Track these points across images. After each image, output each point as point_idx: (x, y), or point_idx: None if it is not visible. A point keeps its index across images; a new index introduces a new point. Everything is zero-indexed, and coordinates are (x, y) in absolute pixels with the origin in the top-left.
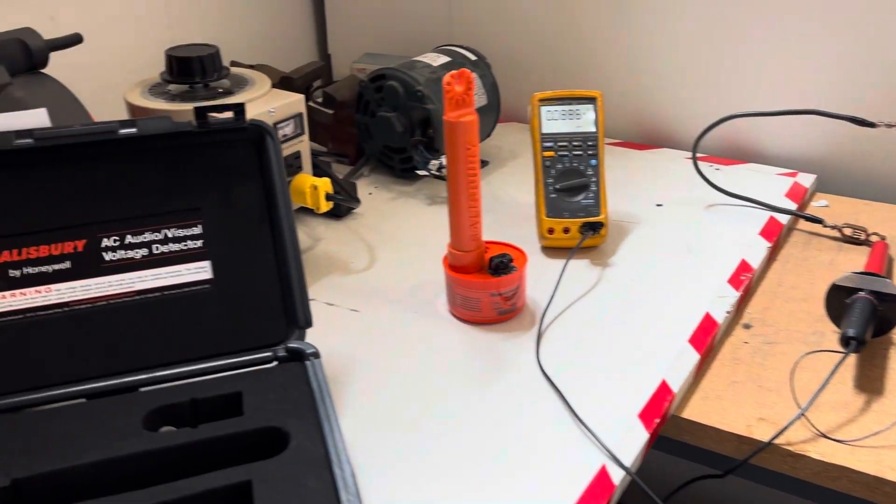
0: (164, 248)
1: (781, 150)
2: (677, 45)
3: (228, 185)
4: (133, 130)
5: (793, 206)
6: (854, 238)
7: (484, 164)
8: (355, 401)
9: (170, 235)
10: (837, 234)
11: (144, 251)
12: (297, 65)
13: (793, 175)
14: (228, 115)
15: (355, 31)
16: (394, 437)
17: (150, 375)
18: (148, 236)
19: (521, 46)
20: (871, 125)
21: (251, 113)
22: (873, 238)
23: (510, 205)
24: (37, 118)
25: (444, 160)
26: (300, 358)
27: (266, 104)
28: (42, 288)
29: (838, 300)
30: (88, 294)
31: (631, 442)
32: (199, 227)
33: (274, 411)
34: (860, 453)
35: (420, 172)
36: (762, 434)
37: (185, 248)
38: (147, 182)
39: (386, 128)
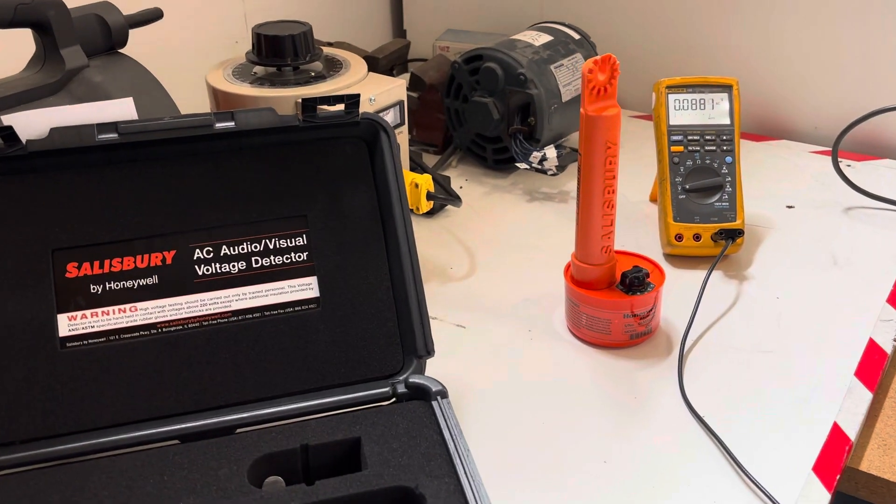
0: (264, 261)
1: None
2: (809, 29)
3: (337, 189)
4: (231, 124)
5: None
6: None
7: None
8: (477, 441)
9: (271, 246)
10: None
11: (242, 264)
12: (370, 40)
13: None
14: (339, 107)
15: (435, 4)
16: (533, 489)
17: (252, 414)
18: (247, 247)
19: (621, 24)
20: None
21: None
22: None
23: (622, 204)
24: (122, 109)
25: (546, 152)
26: (424, 396)
27: (365, 91)
28: (126, 307)
29: None
30: (179, 314)
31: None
32: (305, 237)
33: (402, 465)
34: None
35: (520, 165)
36: None
37: (289, 261)
38: (245, 184)
39: (481, 114)
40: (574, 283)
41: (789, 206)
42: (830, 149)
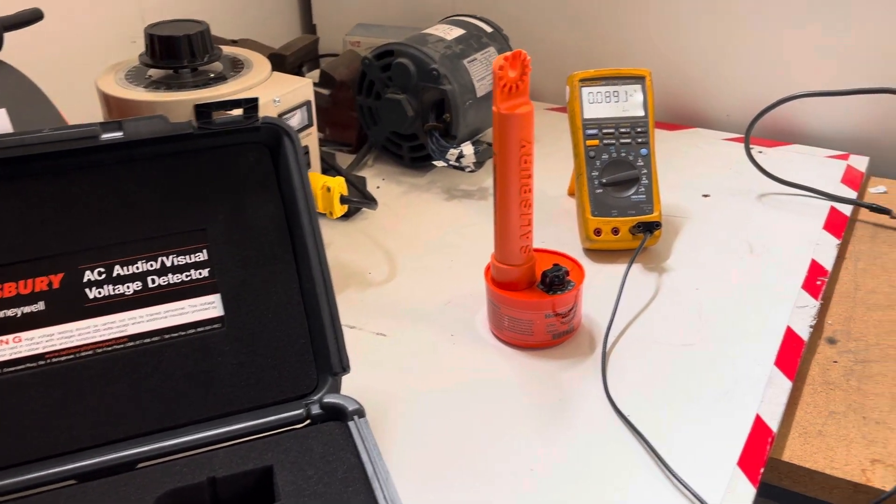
0: (161, 280)
1: (827, 130)
2: (720, 19)
3: (240, 199)
4: (119, 135)
5: (853, 193)
6: None
7: None
8: (399, 456)
9: (169, 264)
10: None
11: (138, 285)
12: (278, 37)
13: (844, 157)
14: (237, 112)
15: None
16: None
17: (154, 447)
18: (141, 266)
19: (536, 16)
20: None
21: None
22: None
23: (539, 199)
24: None
25: (463, 148)
26: (340, 416)
27: (268, 92)
28: (9, 337)
29: None
30: (70, 343)
31: (736, 500)
32: (205, 252)
33: (317, 493)
34: None
35: (437, 163)
36: (881, 480)
37: (189, 278)
38: (138, 198)
39: (394, 112)
40: (495, 284)
41: (705, 195)
42: (743, 136)
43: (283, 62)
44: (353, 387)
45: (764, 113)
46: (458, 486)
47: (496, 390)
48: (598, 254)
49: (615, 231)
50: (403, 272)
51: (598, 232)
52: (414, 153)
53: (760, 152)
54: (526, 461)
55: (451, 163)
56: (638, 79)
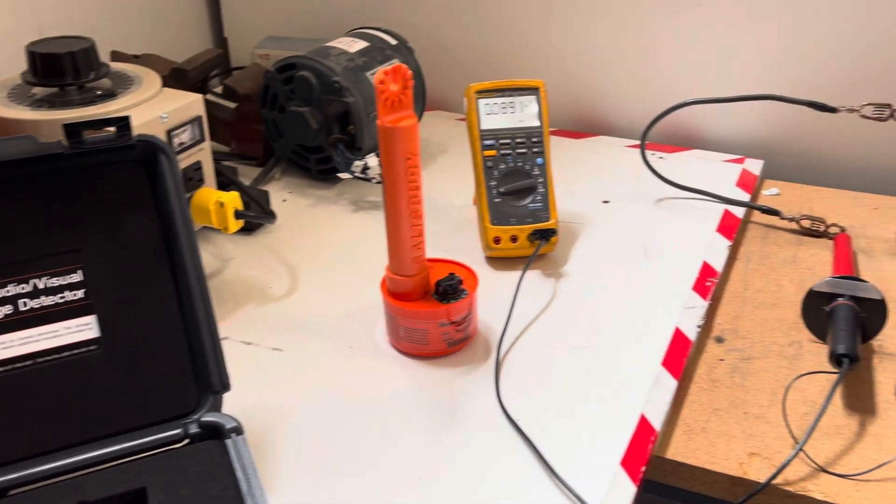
0: (34, 303)
1: (725, 135)
2: (618, 28)
3: (115, 219)
4: None
5: (746, 196)
6: (813, 230)
7: None
8: (289, 472)
9: (41, 286)
10: (795, 227)
11: (8, 308)
12: (190, 51)
13: (740, 161)
14: (110, 130)
15: (255, 10)
16: None
17: (23, 473)
18: (12, 289)
19: (441, 28)
20: (833, 110)
21: (139, 120)
22: (833, 230)
23: (446, 209)
24: None
25: (368, 160)
26: (218, 435)
27: (157, 108)
28: None
29: (816, 307)
30: None
31: (617, 499)
32: (79, 273)
33: None
34: (867, 490)
35: (342, 175)
36: (757, 473)
37: (63, 300)
38: (8, 220)
39: (298, 124)
40: (390, 295)
41: (605, 201)
42: (637, 143)
43: (186, 77)
44: (245, 404)
45: (656, 121)
46: (345, 497)
47: (391, 401)
48: (500, 262)
49: (514, 239)
50: (305, 286)
51: (497, 240)
52: (321, 165)
53: (661, 158)
54: (415, 469)
55: (356, 174)
56: (532, 90)
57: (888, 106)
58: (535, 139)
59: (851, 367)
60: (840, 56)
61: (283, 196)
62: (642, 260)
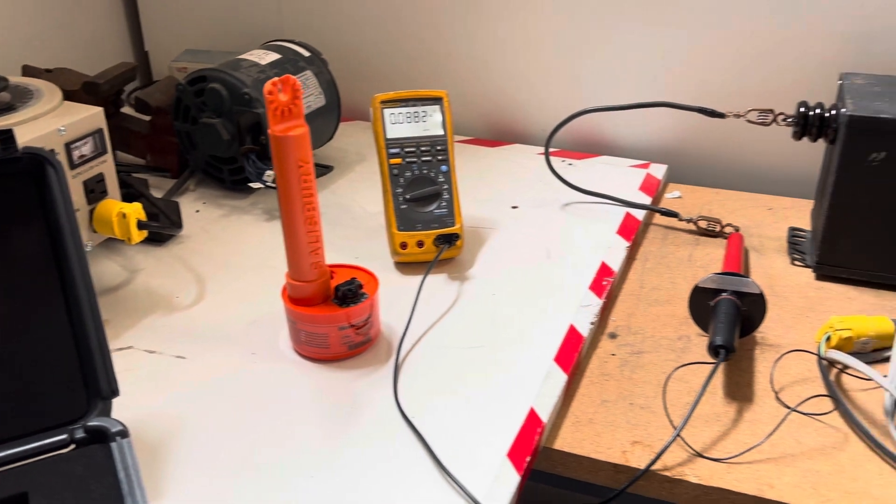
0: None
1: (633, 141)
2: (527, 39)
3: (2, 231)
4: None
5: (647, 199)
6: (709, 231)
7: (328, 169)
8: (184, 475)
9: None
10: (693, 228)
11: None
12: (110, 65)
13: (645, 166)
14: None
15: (175, 24)
16: None
17: None
18: None
19: (360, 40)
20: (721, 115)
21: (36, 133)
22: (728, 230)
23: (360, 216)
24: None
25: None
26: (104, 439)
27: (55, 122)
28: None
29: (702, 302)
30: None
31: (501, 488)
32: None
33: None
34: (738, 472)
35: (254, 185)
36: (638, 460)
37: None
38: None
39: (210, 136)
40: (291, 301)
41: (514, 207)
42: (553, 150)
43: (98, 90)
44: (145, 410)
45: (558, 128)
46: (236, 496)
47: (289, 404)
48: (408, 266)
49: (420, 244)
50: (212, 295)
51: (404, 245)
52: (234, 176)
53: (570, 164)
54: (306, 467)
55: (268, 184)
56: (436, 100)
57: (771, 111)
58: (439, 147)
59: (728, 357)
60: (729, 65)
61: (196, 207)
62: (544, 262)
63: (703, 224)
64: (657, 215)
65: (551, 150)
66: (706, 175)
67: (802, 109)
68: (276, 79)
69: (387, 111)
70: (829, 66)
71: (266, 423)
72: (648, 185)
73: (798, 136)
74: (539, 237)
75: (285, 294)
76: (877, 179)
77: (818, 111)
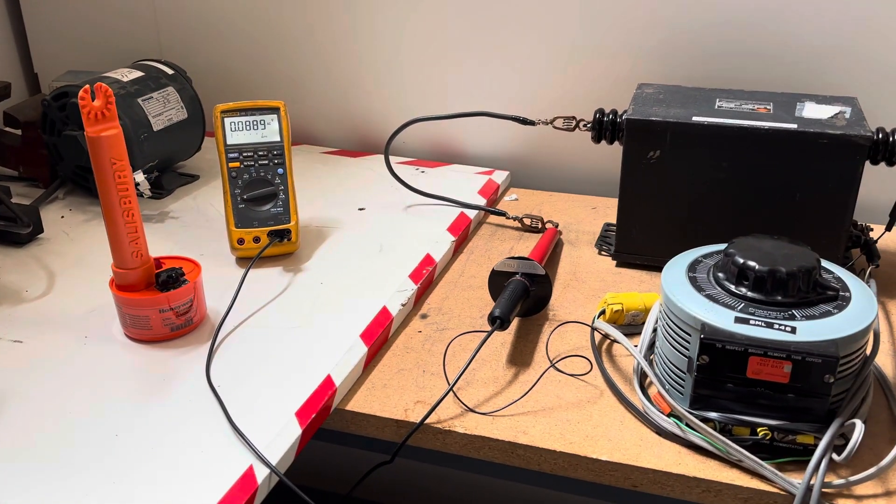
0: None
1: (481, 150)
2: (381, 59)
3: None
4: None
5: (483, 201)
6: (533, 227)
7: (194, 178)
8: (8, 445)
9: None
10: (519, 225)
11: None
12: None
13: (489, 173)
14: None
15: (61, 47)
16: (42, 469)
17: None
18: None
19: (232, 61)
20: (532, 123)
21: None
22: (548, 226)
23: (215, 219)
24: None
25: (136, 176)
26: None
27: None
28: None
29: (499, 283)
30: None
31: (283, 440)
32: None
33: None
34: (499, 422)
35: None
36: (417, 416)
37: None
38: None
39: (74, 147)
40: (117, 288)
41: (361, 209)
42: (410, 159)
43: None
44: None
45: (393, 136)
46: (50, 461)
47: (109, 380)
48: (247, 261)
49: (256, 240)
50: (60, 289)
51: (241, 241)
52: None
53: (423, 172)
54: (113, 429)
55: None
56: (274, 110)
57: (573, 118)
58: (276, 152)
59: (503, 326)
60: (553, 77)
61: (61, 213)
62: (376, 255)
63: (527, 221)
64: (491, 216)
65: (408, 159)
66: (544, 180)
67: (598, 116)
68: (87, 86)
69: (226, 119)
70: (636, 78)
71: (85, 396)
72: (487, 189)
73: (596, 139)
74: (377, 234)
75: (112, 282)
76: (655, 175)
77: (611, 116)
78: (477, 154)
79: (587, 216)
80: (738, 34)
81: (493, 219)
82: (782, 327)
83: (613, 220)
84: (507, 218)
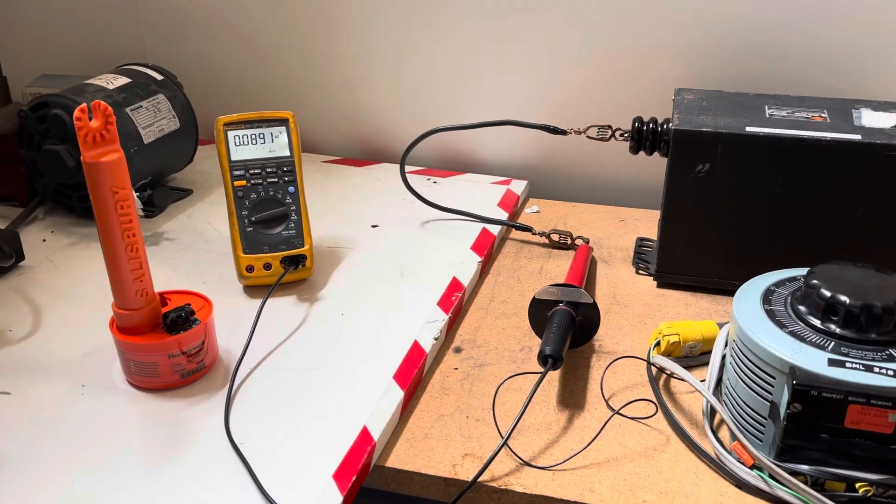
0: None
1: (495, 159)
2: (391, 63)
3: None
4: None
5: (504, 214)
6: (561, 243)
7: (187, 192)
8: None
9: None
10: (546, 241)
11: None
12: None
13: (506, 183)
14: None
15: (33, 50)
16: None
17: None
18: None
19: (223, 64)
20: (563, 132)
21: None
22: (578, 242)
23: (213, 240)
24: None
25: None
26: None
27: None
28: None
29: (541, 313)
30: None
31: None
32: None
33: None
34: (561, 478)
35: None
36: (468, 472)
37: None
38: None
39: (55, 163)
40: (118, 331)
41: (374, 226)
42: (420, 168)
43: None
44: None
45: (412, 146)
46: None
47: (115, 437)
48: (256, 290)
49: (267, 266)
50: (48, 326)
51: (250, 269)
52: (84, 203)
53: (435, 182)
54: (123, 499)
55: None
56: (282, 121)
57: (609, 127)
58: (286, 168)
59: (556, 366)
60: (570, 86)
61: (43, 236)
62: (397, 280)
63: (555, 237)
64: (515, 231)
65: (417, 168)
66: (564, 190)
67: (637, 125)
68: (84, 105)
69: (230, 133)
70: (665, 82)
71: (91, 458)
72: (507, 201)
73: (634, 150)
74: (395, 255)
75: (113, 324)
76: (704, 190)
77: (651, 126)
78: (491, 162)
79: (616, 230)
80: (775, 35)
81: (516, 233)
82: (883, 370)
83: (646, 234)
84: (533, 234)
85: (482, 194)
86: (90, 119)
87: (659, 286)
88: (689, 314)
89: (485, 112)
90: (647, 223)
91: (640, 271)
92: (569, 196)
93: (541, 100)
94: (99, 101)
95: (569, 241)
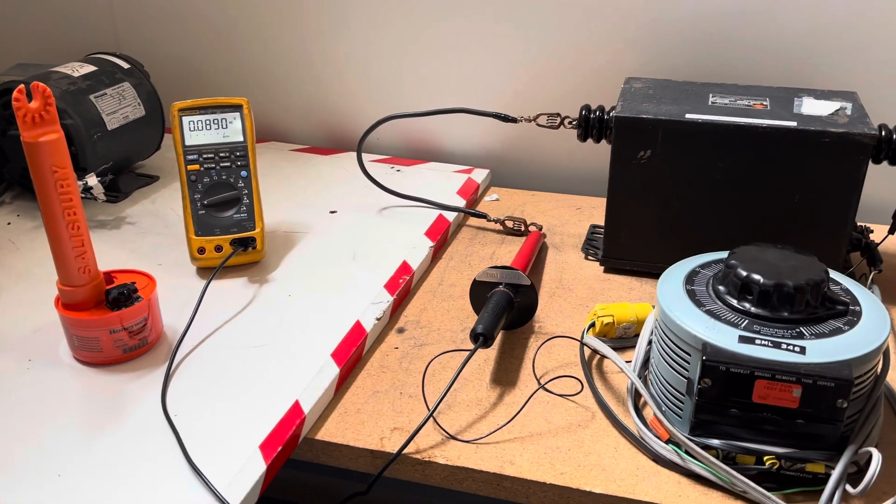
0: None
1: (458, 148)
2: (355, 53)
3: None
4: None
5: (462, 202)
6: (515, 230)
7: (153, 179)
8: None
9: None
10: (500, 228)
11: None
12: None
13: (468, 171)
14: None
15: (10, 38)
16: None
17: None
18: None
19: (193, 53)
20: (514, 120)
21: None
22: (531, 228)
23: (173, 223)
24: None
25: (88, 180)
26: None
27: None
28: None
29: (481, 295)
30: None
31: (244, 477)
32: None
33: None
34: (484, 451)
35: None
36: (394, 445)
37: None
38: None
39: (20, 148)
40: (63, 307)
41: (332, 212)
42: (385, 157)
43: None
44: None
45: (367, 134)
46: None
47: (55, 409)
48: (209, 271)
49: (218, 249)
50: (5, 306)
51: (202, 250)
52: None
53: (398, 170)
54: (56, 468)
55: (82, 195)
56: (236, 107)
57: (558, 115)
58: (239, 153)
59: (487, 344)
60: (531, 76)
61: (8, 219)
62: (349, 264)
63: (509, 224)
64: (471, 217)
65: (382, 157)
66: (525, 179)
67: (584, 113)
68: (22, 86)
69: (185, 118)
70: (622, 71)
71: (29, 427)
72: (466, 189)
73: (582, 137)
74: (350, 240)
75: (58, 301)
76: (646, 176)
77: (598, 114)
78: (455, 151)
79: (572, 217)
80: (727, 24)
81: (473, 221)
82: (791, 347)
83: (599, 222)
84: (489, 221)
85: (443, 182)
86: (29, 100)
87: (606, 271)
88: (631, 298)
89: (451, 101)
90: (603, 211)
91: (590, 257)
92: (529, 185)
93: (503, 89)
94: (38, 82)
95: (522, 228)
